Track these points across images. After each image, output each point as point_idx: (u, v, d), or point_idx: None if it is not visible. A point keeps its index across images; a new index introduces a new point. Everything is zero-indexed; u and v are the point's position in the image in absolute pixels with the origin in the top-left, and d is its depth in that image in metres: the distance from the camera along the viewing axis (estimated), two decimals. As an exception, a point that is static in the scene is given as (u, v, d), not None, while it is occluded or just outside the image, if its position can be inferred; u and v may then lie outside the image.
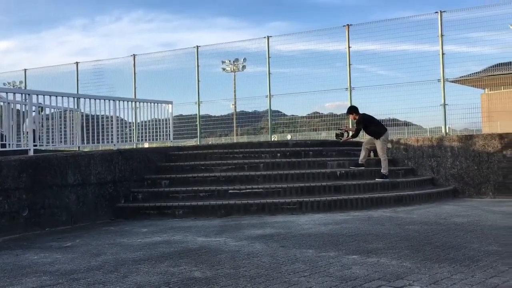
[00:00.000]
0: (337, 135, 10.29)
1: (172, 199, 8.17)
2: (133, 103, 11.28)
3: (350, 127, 10.58)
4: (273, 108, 14.97)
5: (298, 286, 3.31)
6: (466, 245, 4.62)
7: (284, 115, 16.73)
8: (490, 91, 16.37)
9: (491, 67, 14.89)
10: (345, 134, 10.15)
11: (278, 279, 3.53)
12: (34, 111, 8.61)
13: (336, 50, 14.02)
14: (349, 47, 13.37)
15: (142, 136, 11.14)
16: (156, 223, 7.09)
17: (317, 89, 14.50)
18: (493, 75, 14.27)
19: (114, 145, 9.39)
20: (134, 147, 11.99)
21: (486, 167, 10.01)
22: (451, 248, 4.52)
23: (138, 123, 11.24)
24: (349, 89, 13.39)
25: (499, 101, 15.05)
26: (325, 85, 14.41)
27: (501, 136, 10.09)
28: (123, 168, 8.36)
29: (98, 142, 9.48)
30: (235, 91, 17.28)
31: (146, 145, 12.81)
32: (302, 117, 16.87)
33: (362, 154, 9.61)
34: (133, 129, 11.59)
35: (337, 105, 15.29)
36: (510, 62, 15.15)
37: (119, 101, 9.86)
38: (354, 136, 9.95)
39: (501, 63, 14.79)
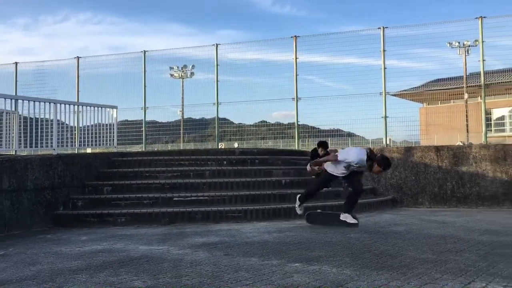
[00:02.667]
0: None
1: (114, 207, 7.96)
2: (76, 106, 10.92)
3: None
4: (220, 116, 14.96)
5: (240, 294, 3.31)
6: (403, 253, 4.79)
7: (232, 123, 16.76)
8: (428, 105, 17.20)
9: (429, 82, 15.65)
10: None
11: (221, 287, 3.51)
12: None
13: (284, 60, 14.27)
14: (296, 57, 13.64)
15: (84, 141, 10.79)
16: (96, 231, 6.87)
17: (265, 98, 14.67)
18: (431, 90, 15.01)
19: (54, 149, 9.04)
20: (76, 152, 11.59)
21: (423, 178, 10.47)
22: (389, 256, 4.67)
23: (81, 127, 10.89)
24: (295, 99, 13.63)
25: (436, 115, 15.85)
26: (273, 94, 14.62)
27: (437, 149, 10.60)
28: (63, 174, 8.06)
29: (37, 146, 9.08)
30: (182, 98, 17.14)
31: (89, 150, 12.43)
32: (250, 125, 16.97)
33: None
34: (75, 134, 11.21)
35: (284, 115, 15.53)
36: (447, 78, 15.98)
37: (60, 104, 9.51)
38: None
39: (439, 79, 15.58)
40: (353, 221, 6.80)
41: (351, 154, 6.70)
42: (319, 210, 7.26)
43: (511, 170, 9.97)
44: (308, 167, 9.94)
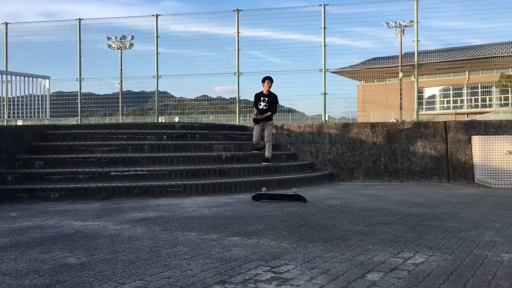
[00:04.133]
0: (256, 120, 9.65)
1: (47, 181, 7.64)
2: (4, 75, 10.28)
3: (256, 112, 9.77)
4: (161, 89, 14.66)
5: (178, 269, 3.30)
6: (338, 226, 4.97)
7: (173, 96, 16.49)
8: (365, 83, 17.72)
9: (368, 60, 16.11)
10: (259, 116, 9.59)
11: (158, 262, 3.48)
12: None
13: (227, 34, 14.13)
14: (238, 32, 13.52)
15: (14, 113, 10.22)
16: (28, 207, 6.59)
17: (207, 72, 14.51)
18: (369, 68, 15.45)
19: (-20, 121, 8.50)
20: (5, 124, 10.95)
21: (359, 153, 10.85)
22: (325, 228, 4.82)
23: (10, 98, 10.28)
24: (237, 74, 13.57)
25: (372, 93, 16.39)
26: (215, 68, 14.48)
27: (372, 125, 10.98)
28: (-10, 147, 7.60)
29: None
30: (121, 70, 16.60)
31: (20, 122, 11.80)
32: (191, 99, 16.78)
33: (266, 147, 9.47)
34: (4, 105, 10.57)
35: (226, 89, 15.49)
36: (384, 57, 16.49)
37: (-14, 72, 8.90)
38: (274, 112, 9.69)
39: (377, 58, 16.08)
40: None
41: None
42: (264, 188, 7.27)
43: (440, 146, 10.53)
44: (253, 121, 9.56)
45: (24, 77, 10.09)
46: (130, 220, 5.36)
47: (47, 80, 10.48)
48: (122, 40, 17.84)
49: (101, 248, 3.97)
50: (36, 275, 3.16)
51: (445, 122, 10.89)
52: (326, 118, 13.20)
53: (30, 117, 10.46)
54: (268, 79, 9.66)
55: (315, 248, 3.91)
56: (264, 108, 9.57)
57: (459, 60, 22.26)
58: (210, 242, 4.18)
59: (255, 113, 9.64)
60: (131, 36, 17.07)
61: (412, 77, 13.66)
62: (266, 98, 9.58)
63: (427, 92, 43.16)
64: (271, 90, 9.65)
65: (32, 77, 10.22)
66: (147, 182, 7.76)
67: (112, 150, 8.86)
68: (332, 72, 14.02)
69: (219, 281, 2.99)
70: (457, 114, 38.43)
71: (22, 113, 10.27)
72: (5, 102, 10.39)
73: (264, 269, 3.26)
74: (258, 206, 6.53)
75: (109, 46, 17.35)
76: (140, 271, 3.25)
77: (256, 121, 9.60)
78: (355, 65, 15.93)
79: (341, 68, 15.22)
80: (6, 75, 10.39)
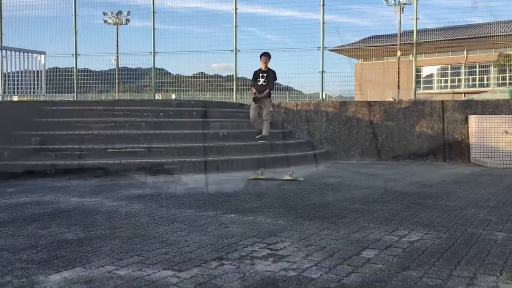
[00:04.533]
0: (254, 99, 9.58)
1: (43, 157, 7.62)
2: (-1, 50, 10.17)
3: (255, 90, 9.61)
4: (158, 66, 14.55)
5: (176, 245, 3.32)
6: (334, 204, 5.00)
7: (169, 73, 16.38)
8: (363, 61, 17.60)
9: (366, 38, 15.97)
10: (257, 95, 9.49)
11: (156, 238, 3.51)
12: None
13: (225, 11, 13.98)
14: (236, 8, 13.35)
15: (10, 89, 10.14)
16: (24, 183, 6.59)
17: (204, 49, 14.39)
18: (367, 46, 15.33)
19: (-25, 96, 8.44)
20: (0, 99, 10.89)
21: (356, 132, 10.86)
22: (321, 206, 4.86)
23: (5, 73, 10.20)
24: (234, 51, 13.45)
25: (370, 71, 16.31)
26: (212, 45, 14.35)
27: (369, 104, 10.97)
28: (-15, 123, 7.56)
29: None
30: (117, 46, 16.46)
31: (16, 98, 11.73)
32: (188, 76, 16.68)
33: (264, 125, 9.43)
34: (-1, 80, 10.49)
35: (223, 67, 15.40)
36: (382, 35, 16.35)
37: (-19, 47, 8.80)
38: (272, 88, 9.58)
39: (375, 36, 15.93)
40: None
41: None
42: (260, 171, 7.27)
43: (436, 126, 10.55)
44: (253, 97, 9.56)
45: (20, 52, 9.98)
46: (127, 197, 5.38)
47: (42, 56, 10.37)
48: (118, 16, 17.64)
49: (98, 224, 3.99)
50: (34, 250, 3.18)
51: (442, 101, 10.87)
52: (324, 97, 13.15)
53: (26, 93, 10.40)
54: (265, 55, 9.60)
55: (311, 226, 3.94)
56: (264, 84, 9.51)
57: (458, 39, 22.13)
58: (207, 219, 4.21)
59: (254, 92, 9.59)
60: (127, 12, 16.88)
61: (411, 55, 13.57)
62: (265, 74, 9.52)
63: (425, 71, 43.00)
64: (269, 66, 9.61)
65: (28, 52, 10.12)
66: (144, 159, 7.76)
67: (109, 127, 8.83)
68: (330, 50, 13.91)
69: (216, 257, 3.02)
70: (454, 93, 38.38)
71: (18, 88, 10.20)
72: (0, 78, 10.30)
73: (261, 246, 3.29)
74: (255, 183, 6.56)
75: (105, 21, 17.16)
76: (137, 247, 3.27)
77: (255, 100, 9.56)
78: (353, 43, 15.81)
79: (339, 46, 15.12)
80: (1, 50, 10.28)
